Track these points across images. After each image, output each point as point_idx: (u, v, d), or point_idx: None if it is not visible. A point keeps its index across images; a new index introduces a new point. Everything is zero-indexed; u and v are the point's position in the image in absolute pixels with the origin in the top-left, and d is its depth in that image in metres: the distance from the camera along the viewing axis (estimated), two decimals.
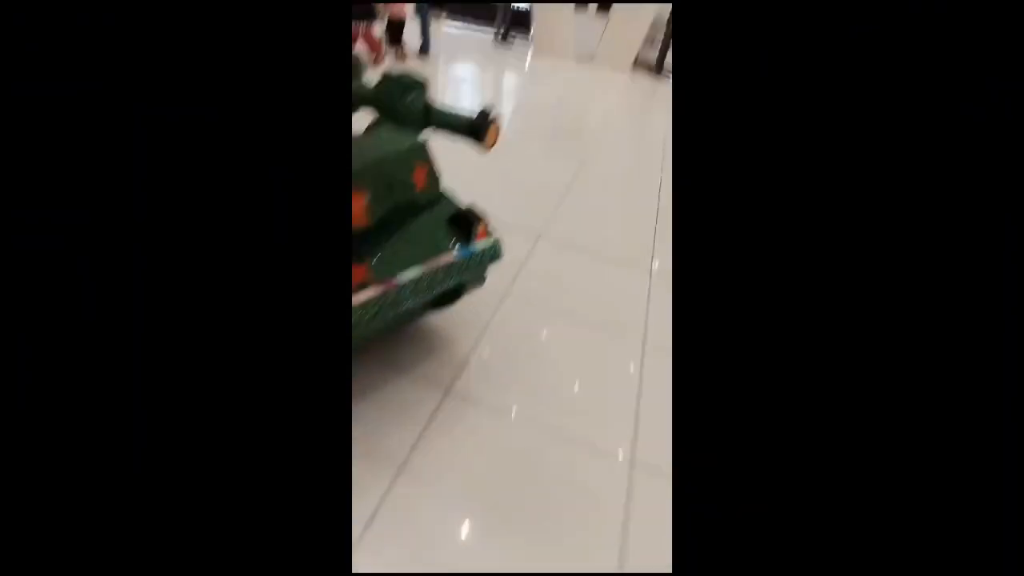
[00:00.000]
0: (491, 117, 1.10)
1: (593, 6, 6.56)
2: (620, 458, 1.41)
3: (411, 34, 5.19)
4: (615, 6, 6.08)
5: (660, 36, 6.46)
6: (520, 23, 6.90)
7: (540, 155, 3.56)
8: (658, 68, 6.56)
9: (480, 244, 1.42)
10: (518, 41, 6.95)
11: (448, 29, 7.46)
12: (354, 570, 0.97)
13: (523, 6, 6.75)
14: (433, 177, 1.37)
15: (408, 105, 1.12)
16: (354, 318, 1.12)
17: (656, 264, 2.42)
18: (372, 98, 1.15)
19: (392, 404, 1.41)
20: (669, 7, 6.14)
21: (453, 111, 1.13)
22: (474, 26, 7.49)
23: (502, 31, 6.88)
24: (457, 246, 1.36)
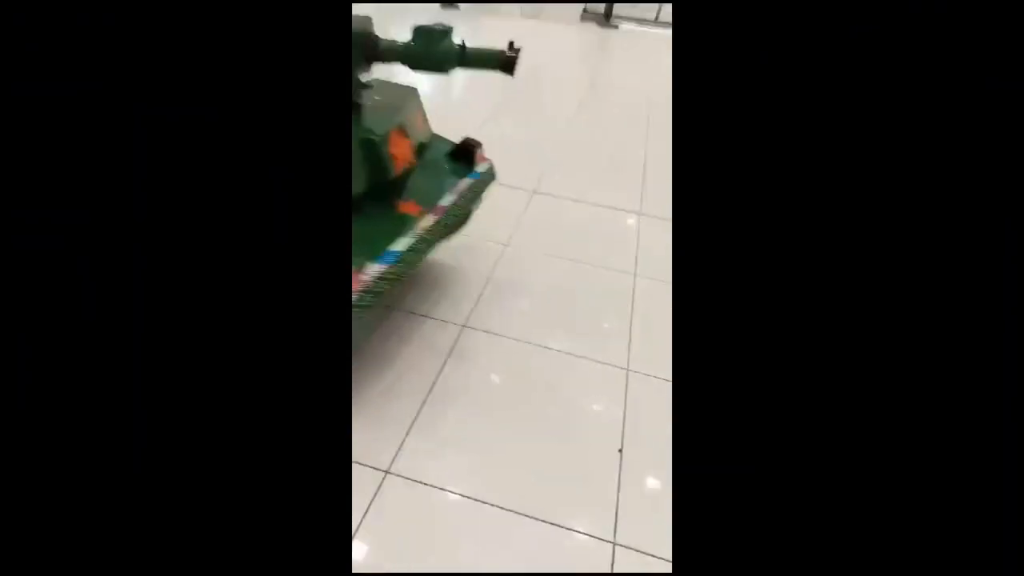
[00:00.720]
0: (517, 50, 1.25)
1: None
2: (617, 364, 1.71)
3: None
4: None
5: None
6: None
7: (492, 107, 3.61)
8: (607, 17, 6.57)
9: (483, 167, 1.70)
10: (465, 5, 6.90)
11: None
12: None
13: None
14: (425, 119, 1.60)
15: (444, 50, 1.27)
16: (429, 237, 1.41)
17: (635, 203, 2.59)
18: (404, 51, 1.29)
19: (419, 341, 1.69)
20: None
21: (482, 50, 1.29)
22: None
23: None
24: (467, 171, 1.65)
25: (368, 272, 1.25)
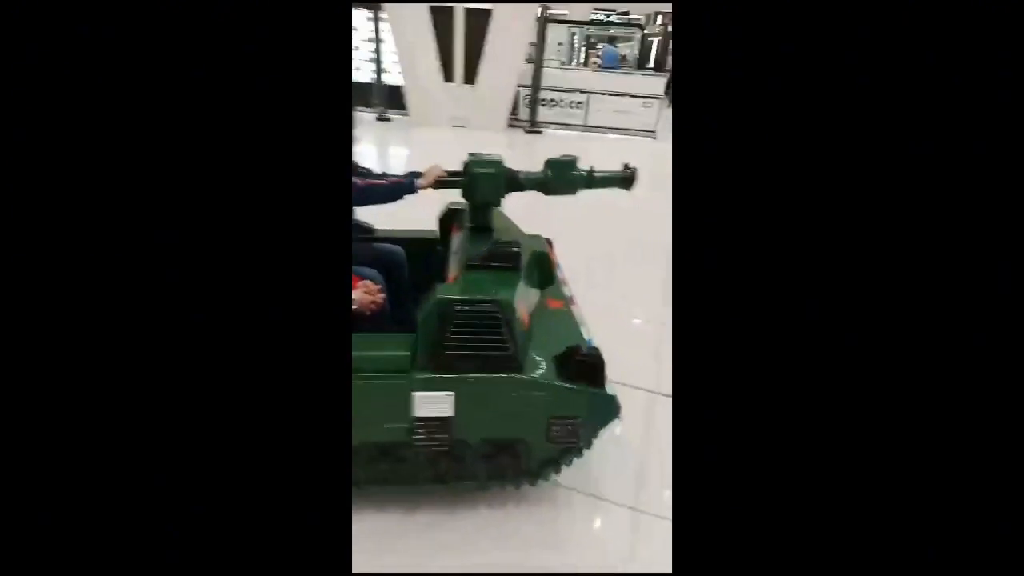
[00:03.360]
0: (633, 169, 1.46)
1: (459, 78, 7.05)
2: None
3: None
4: (481, 74, 6.58)
5: (531, 96, 7.03)
6: (396, 104, 7.29)
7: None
8: (531, 124, 7.07)
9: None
10: (397, 118, 7.33)
11: None
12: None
13: (395, 82, 7.16)
14: None
15: (576, 176, 1.45)
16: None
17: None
18: (542, 180, 1.46)
19: None
20: (530, 70, 6.77)
21: (605, 173, 1.48)
22: (357, 109, 7.90)
23: (382, 110, 7.25)
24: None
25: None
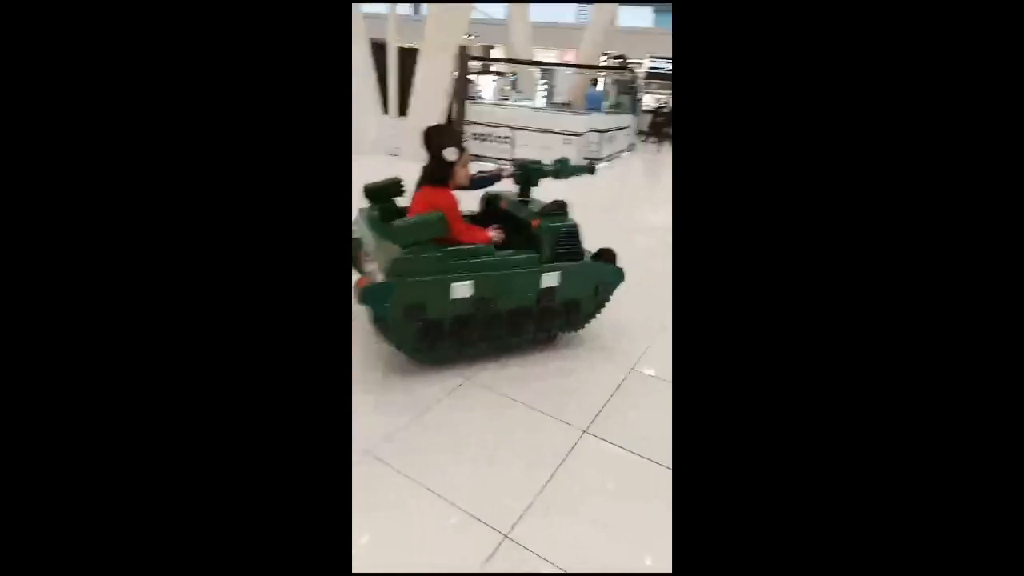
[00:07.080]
0: (594, 163, 2.47)
1: (394, 110, 7.70)
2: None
3: None
4: (411, 108, 7.24)
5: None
6: None
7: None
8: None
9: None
10: None
11: None
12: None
13: None
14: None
15: (572, 167, 2.41)
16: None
17: None
18: (555, 171, 2.37)
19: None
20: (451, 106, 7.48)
21: (582, 164, 2.48)
22: None
23: None
24: None
25: None
